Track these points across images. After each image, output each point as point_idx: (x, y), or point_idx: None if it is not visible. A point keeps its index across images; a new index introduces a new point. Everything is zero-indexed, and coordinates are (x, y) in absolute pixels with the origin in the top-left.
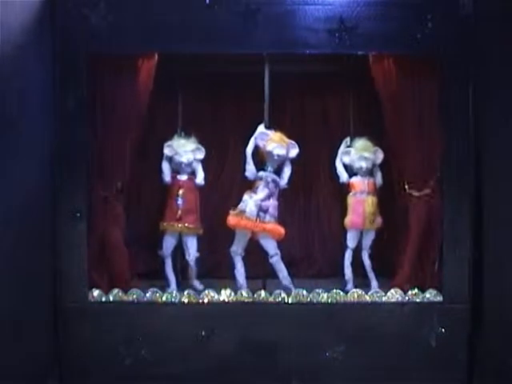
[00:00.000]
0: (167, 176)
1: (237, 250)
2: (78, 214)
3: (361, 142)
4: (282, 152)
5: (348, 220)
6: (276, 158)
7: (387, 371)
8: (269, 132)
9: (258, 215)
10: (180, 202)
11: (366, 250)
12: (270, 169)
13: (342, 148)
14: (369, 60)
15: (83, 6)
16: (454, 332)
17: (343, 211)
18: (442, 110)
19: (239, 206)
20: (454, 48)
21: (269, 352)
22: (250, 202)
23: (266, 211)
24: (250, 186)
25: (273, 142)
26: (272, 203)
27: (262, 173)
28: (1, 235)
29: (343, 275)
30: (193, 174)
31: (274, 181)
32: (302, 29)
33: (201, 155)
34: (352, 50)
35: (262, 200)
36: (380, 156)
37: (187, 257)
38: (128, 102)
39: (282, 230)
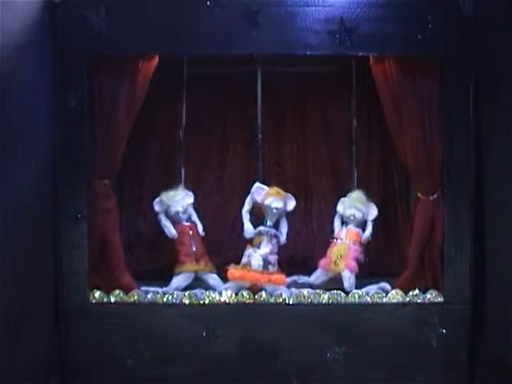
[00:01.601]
0: (172, 229)
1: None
2: (79, 215)
3: (356, 193)
4: (280, 205)
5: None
6: (275, 211)
7: (388, 372)
8: (265, 187)
9: (264, 267)
10: (194, 247)
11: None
12: (269, 223)
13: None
14: (369, 61)
15: (84, 8)
16: (454, 333)
17: None
18: (443, 111)
19: (243, 260)
20: (455, 49)
21: (269, 353)
22: (255, 256)
23: (274, 265)
24: (251, 242)
25: (270, 195)
26: (275, 257)
27: (262, 228)
28: (1, 236)
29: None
30: (190, 219)
31: (275, 236)
32: (302, 30)
33: (191, 199)
34: (352, 51)
35: (268, 254)
36: (373, 212)
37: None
38: (126, 103)
39: (284, 278)
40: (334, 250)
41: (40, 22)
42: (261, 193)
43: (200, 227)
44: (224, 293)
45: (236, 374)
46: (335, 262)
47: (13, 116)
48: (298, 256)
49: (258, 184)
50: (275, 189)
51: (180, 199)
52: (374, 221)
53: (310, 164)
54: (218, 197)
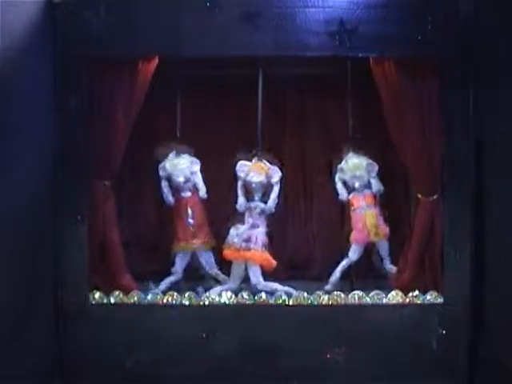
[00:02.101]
0: (169, 196)
1: (233, 281)
2: (79, 216)
3: (353, 160)
4: (260, 179)
5: (352, 236)
6: (254, 185)
7: (388, 373)
8: (248, 163)
9: (241, 245)
10: (191, 219)
11: (387, 259)
12: (256, 198)
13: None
14: (369, 62)
15: (84, 10)
16: (454, 334)
17: (344, 215)
18: (443, 111)
19: (226, 239)
20: (455, 50)
21: (270, 354)
22: (234, 235)
23: (248, 240)
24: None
25: (250, 171)
26: (258, 231)
27: (248, 203)
28: (2, 237)
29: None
30: (194, 187)
31: (259, 209)
32: (302, 31)
33: (197, 167)
34: (352, 52)
35: (246, 230)
36: (374, 169)
37: (208, 270)
38: (126, 104)
39: (265, 256)
40: (368, 222)
41: (40, 23)
42: (244, 170)
43: (203, 191)
44: (224, 294)
45: (236, 374)
46: (375, 232)
47: (13, 117)
48: (298, 256)
49: (241, 161)
50: (257, 164)
51: (185, 168)
52: (377, 175)
53: (310, 164)
54: (218, 197)
